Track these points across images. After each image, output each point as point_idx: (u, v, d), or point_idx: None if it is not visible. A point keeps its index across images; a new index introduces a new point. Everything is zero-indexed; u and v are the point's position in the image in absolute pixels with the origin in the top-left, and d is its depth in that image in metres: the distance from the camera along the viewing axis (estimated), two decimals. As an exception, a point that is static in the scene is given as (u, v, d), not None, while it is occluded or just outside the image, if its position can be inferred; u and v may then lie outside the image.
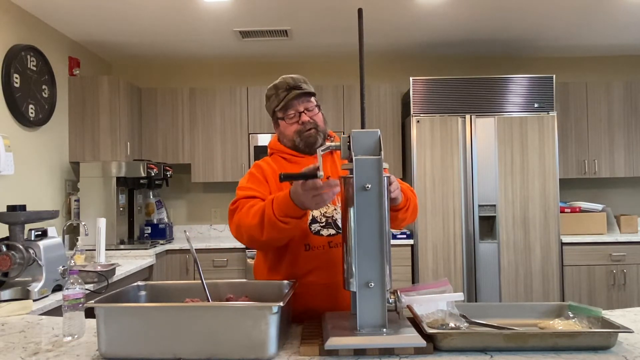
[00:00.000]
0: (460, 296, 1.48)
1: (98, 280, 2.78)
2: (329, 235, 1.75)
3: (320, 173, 1.40)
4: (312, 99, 1.84)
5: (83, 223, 3.58)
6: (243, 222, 1.66)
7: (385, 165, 1.39)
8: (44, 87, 3.81)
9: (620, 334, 1.34)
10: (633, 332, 1.36)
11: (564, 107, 4.71)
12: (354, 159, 1.37)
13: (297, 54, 4.91)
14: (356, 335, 1.32)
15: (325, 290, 1.68)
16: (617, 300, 4.34)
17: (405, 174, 4.73)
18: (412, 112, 4.37)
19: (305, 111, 1.81)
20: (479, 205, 4.33)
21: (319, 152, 1.46)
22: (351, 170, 1.37)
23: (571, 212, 4.58)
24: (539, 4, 3.76)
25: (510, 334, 1.30)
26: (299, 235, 1.72)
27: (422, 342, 1.27)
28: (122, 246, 4.06)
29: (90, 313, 1.42)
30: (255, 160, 4.59)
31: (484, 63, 5.10)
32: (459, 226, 4.32)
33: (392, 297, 1.41)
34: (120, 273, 3.18)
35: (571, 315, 1.49)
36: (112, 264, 3.09)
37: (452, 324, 1.40)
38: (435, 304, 1.48)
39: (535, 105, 4.37)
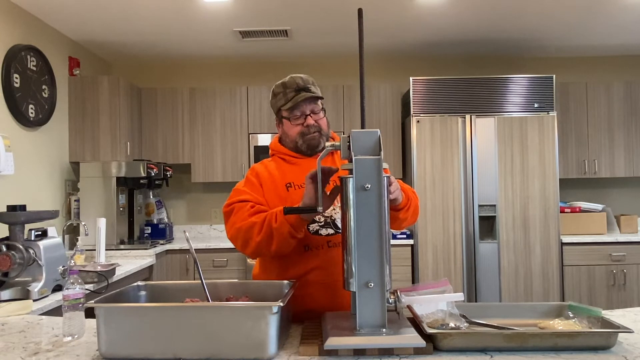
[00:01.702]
0: (460, 296, 1.48)
1: (98, 280, 2.78)
2: (328, 235, 1.75)
3: (320, 207, 1.47)
4: (319, 102, 1.84)
5: (83, 223, 3.58)
6: (245, 223, 1.68)
7: (385, 165, 1.39)
8: (44, 87, 3.82)
9: (620, 334, 1.34)
10: (633, 332, 1.36)
11: (564, 107, 4.71)
12: (353, 159, 1.37)
13: (297, 54, 4.91)
14: (356, 335, 1.31)
15: (325, 290, 1.68)
16: (617, 300, 4.34)
17: (405, 174, 4.73)
18: (412, 112, 4.37)
19: (311, 114, 1.81)
20: (479, 205, 4.33)
21: (319, 161, 1.50)
22: (351, 171, 1.37)
23: (571, 212, 4.58)
24: (539, 4, 3.76)
25: (510, 334, 1.30)
26: None
27: (421, 342, 1.27)
28: (122, 246, 4.06)
29: (90, 313, 1.42)
30: (255, 160, 4.61)
31: (484, 63, 5.10)
32: (459, 226, 4.32)
33: (392, 297, 1.41)
34: (120, 273, 3.18)
35: (571, 315, 1.49)
36: (112, 264, 3.09)
37: (452, 324, 1.40)
38: (435, 304, 1.48)
39: (535, 105, 4.37)
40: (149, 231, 4.51)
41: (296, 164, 1.83)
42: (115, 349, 1.30)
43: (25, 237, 2.43)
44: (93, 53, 4.75)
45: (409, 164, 4.52)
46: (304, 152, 1.84)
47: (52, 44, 4.01)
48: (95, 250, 3.42)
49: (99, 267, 2.96)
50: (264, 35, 4.33)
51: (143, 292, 1.62)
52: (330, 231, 1.75)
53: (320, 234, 1.75)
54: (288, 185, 1.79)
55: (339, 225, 1.76)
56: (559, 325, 1.43)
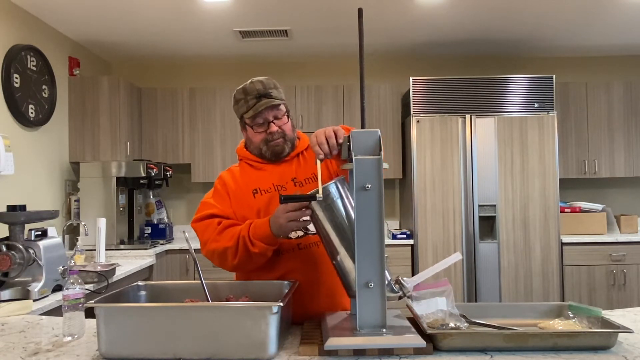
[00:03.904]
0: (457, 256, 1.49)
1: (98, 280, 2.78)
2: (298, 237, 1.74)
3: (319, 195, 1.44)
4: (282, 106, 1.80)
5: (83, 223, 3.58)
6: (218, 245, 1.70)
7: (385, 165, 1.39)
8: (44, 87, 3.81)
9: (620, 334, 1.34)
10: (633, 332, 1.36)
11: (564, 107, 4.71)
12: (353, 159, 1.37)
13: (297, 54, 4.91)
14: (356, 335, 1.32)
15: (302, 291, 1.66)
16: (617, 300, 4.34)
17: (405, 174, 4.73)
18: (412, 112, 4.37)
19: (274, 120, 1.77)
20: (479, 205, 4.33)
21: (319, 162, 1.50)
22: (351, 171, 1.38)
23: (571, 212, 4.58)
24: (539, 4, 3.76)
25: (510, 334, 1.30)
26: None
27: (421, 343, 1.27)
28: (122, 246, 4.06)
29: (90, 313, 1.42)
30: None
31: (484, 63, 5.10)
32: (459, 226, 4.32)
33: (396, 285, 1.42)
34: (120, 273, 3.18)
35: (571, 315, 1.49)
36: (112, 264, 3.09)
37: (452, 324, 1.40)
38: (436, 303, 1.48)
39: (535, 105, 4.37)
40: (149, 231, 4.51)
41: (262, 169, 1.82)
42: (115, 349, 1.30)
43: (25, 237, 2.43)
44: (93, 53, 4.75)
45: (409, 164, 4.52)
46: (268, 159, 1.82)
47: (52, 44, 4.01)
48: (95, 250, 3.43)
49: (99, 267, 2.96)
50: (264, 35, 4.33)
51: (143, 292, 1.62)
52: (300, 233, 1.74)
53: (290, 237, 1.74)
54: (254, 191, 1.78)
55: (308, 227, 1.75)
56: (559, 325, 1.43)
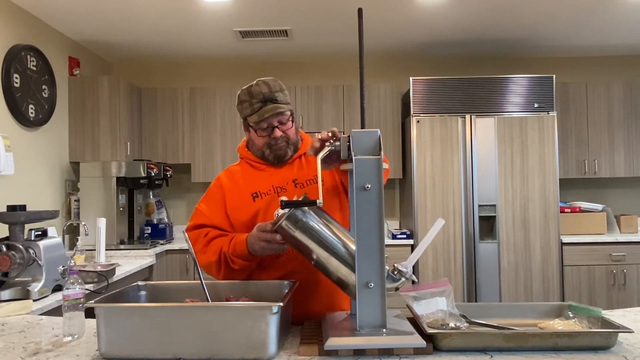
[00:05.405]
0: (441, 222, 1.50)
1: (98, 280, 2.78)
2: None
3: (320, 201, 1.43)
4: (287, 110, 1.77)
5: (83, 223, 3.58)
6: (204, 257, 1.74)
7: (385, 166, 1.39)
8: (44, 87, 3.82)
9: (620, 334, 1.34)
10: (633, 332, 1.36)
11: (564, 107, 4.71)
12: (353, 159, 1.37)
13: (297, 54, 4.92)
14: (356, 335, 1.31)
15: (300, 291, 1.66)
16: (617, 300, 4.34)
17: (405, 174, 4.73)
18: (412, 112, 4.37)
19: (278, 125, 1.76)
20: (479, 205, 4.33)
21: (319, 161, 1.49)
22: (351, 171, 1.37)
23: (571, 212, 4.58)
24: (539, 4, 3.76)
25: (510, 334, 1.30)
26: None
27: (421, 342, 1.27)
28: (122, 246, 4.06)
29: (90, 313, 1.41)
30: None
31: (484, 63, 5.10)
32: (459, 226, 4.32)
33: (395, 274, 1.41)
34: (120, 273, 3.18)
35: (571, 315, 1.49)
36: (112, 264, 3.09)
37: (452, 324, 1.40)
38: (436, 303, 1.48)
39: (535, 105, 4.37)
40: (149, 231, 4.51)
41: (264, 171, 1.81)
42: (115, 349, 1.30)
43: (25, 237, 2.43)
44: (93, 53, 4.75)
45: (409, 164, 4.52)
46: (270, 162, 1.81)
47: (52, 44, 4.01)
48: (95, 250, 3.42)
49: (99, 267, 2.96)
50: (264, 35, 4.33)
51: (143, 292, 1.62)
52: None
53: None
54: (254, 195, 1.77)
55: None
56: (559, 325, 1.43)
